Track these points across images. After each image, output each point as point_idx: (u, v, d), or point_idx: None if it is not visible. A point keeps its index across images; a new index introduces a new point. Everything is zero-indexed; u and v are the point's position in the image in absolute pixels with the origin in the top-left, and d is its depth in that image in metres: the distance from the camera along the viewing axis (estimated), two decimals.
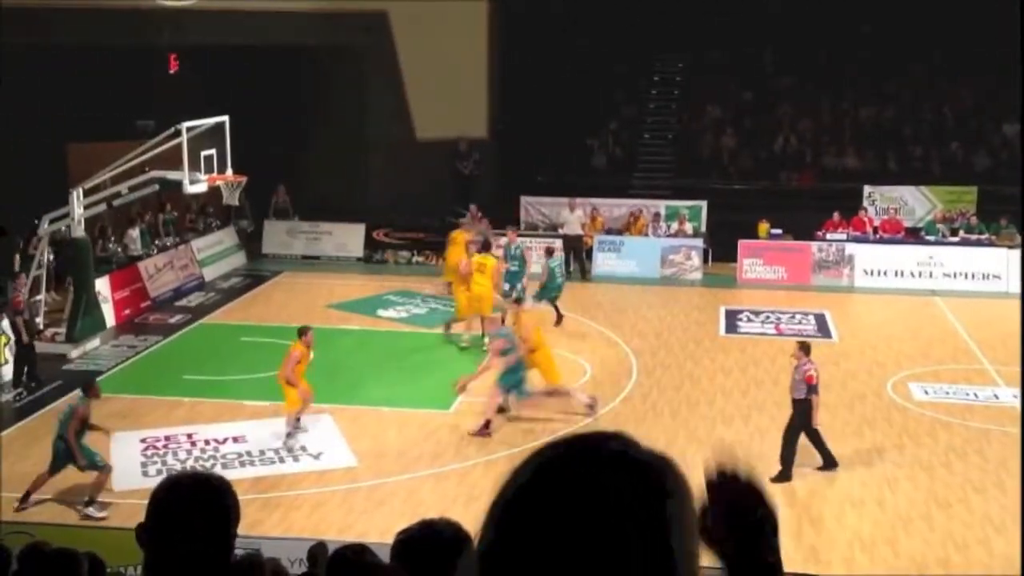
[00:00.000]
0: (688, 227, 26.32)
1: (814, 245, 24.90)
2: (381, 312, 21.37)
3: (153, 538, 2.41)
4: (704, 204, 26.60)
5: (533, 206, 27.80)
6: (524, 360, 15.73)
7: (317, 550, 8.39)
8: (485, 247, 19.76)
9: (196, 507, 2.40)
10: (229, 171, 19.60)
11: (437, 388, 17.31)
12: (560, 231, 25.21)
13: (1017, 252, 23.02)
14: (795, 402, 13.91)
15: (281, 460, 14.45)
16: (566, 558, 1.36)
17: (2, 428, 15.60)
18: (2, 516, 12.01)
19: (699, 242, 25.53)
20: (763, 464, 14.12)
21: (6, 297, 17.51)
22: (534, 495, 1.41)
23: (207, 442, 14.99)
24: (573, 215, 24.15)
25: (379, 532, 11.94)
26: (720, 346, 19.73)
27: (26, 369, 17.35)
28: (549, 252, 21.87)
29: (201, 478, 2.50)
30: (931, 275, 24.04)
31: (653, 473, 1.42)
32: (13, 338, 17.44)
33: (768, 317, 21.68)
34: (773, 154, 29.91)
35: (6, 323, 17.68)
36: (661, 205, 27.34)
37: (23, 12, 21.66)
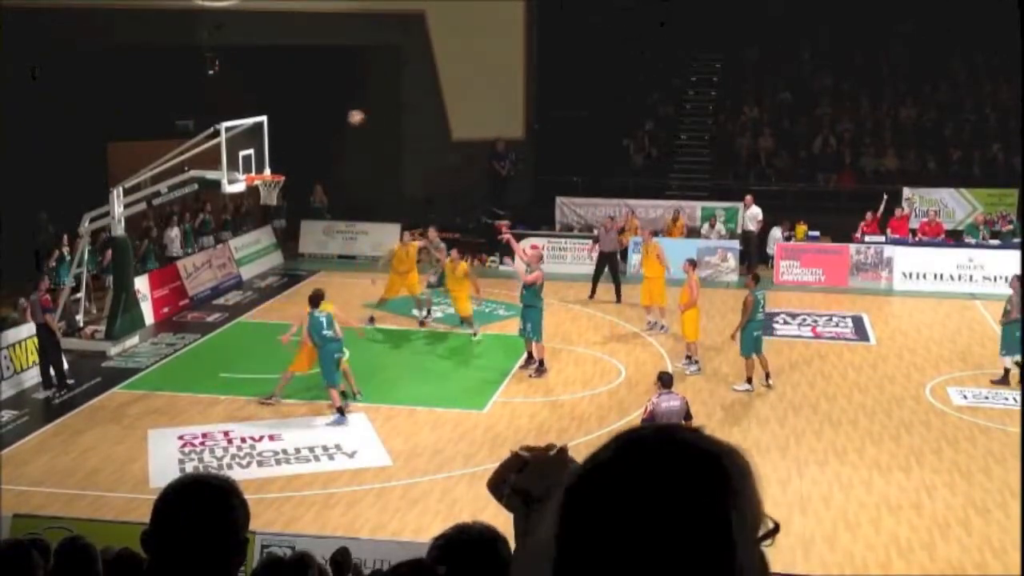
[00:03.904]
0: (721, 227, 26.20)
1: (852, 247, 24.70)
2: (416, 312, 21.44)
3: (157, 544, 2.32)
4: (741, 205, 26.48)
5: (568, 207, 27.78)
6: None
7: (340, 556, 8.38)
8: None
9: (200, 511, 2.32)
10: (267, 171, 19.74)
11: (471, 388, 17.37)
12: (595, 245, 24.59)
13: None
14: None
15: (316, 458, 14.54)
16: (633, 540, 1.38)
17: (39, 426, 15.82)
18: (41, 511, 12.17)
19: (735, 243, 25.40)
20: (796, 466, 14.08)
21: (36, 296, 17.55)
22: (607, 475, 1.43)
23: (243, 440, 15.11)
24: (609, 235, 23.68)
25: (413, 531, 12.01)
26: None
27: (52, 370, 17.29)
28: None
29: (204, 481, 2.40)
30: (971, 278, 23.78)
31: (720, 463, 1.44)
32: (38, 340, 17.37)
33: (805, 320, 21.53)
34: (812, 155, 29.72)
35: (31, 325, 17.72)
36: (697, 206, 27.27)
37: (63, 12, 21.96)
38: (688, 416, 12.59)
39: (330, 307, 16.52)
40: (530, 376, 17.74)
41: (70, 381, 17.42)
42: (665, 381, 12.78)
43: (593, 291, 23.08)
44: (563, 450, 8.48)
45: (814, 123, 30.42)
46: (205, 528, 2.30)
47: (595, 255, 24.00)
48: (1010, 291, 18.15)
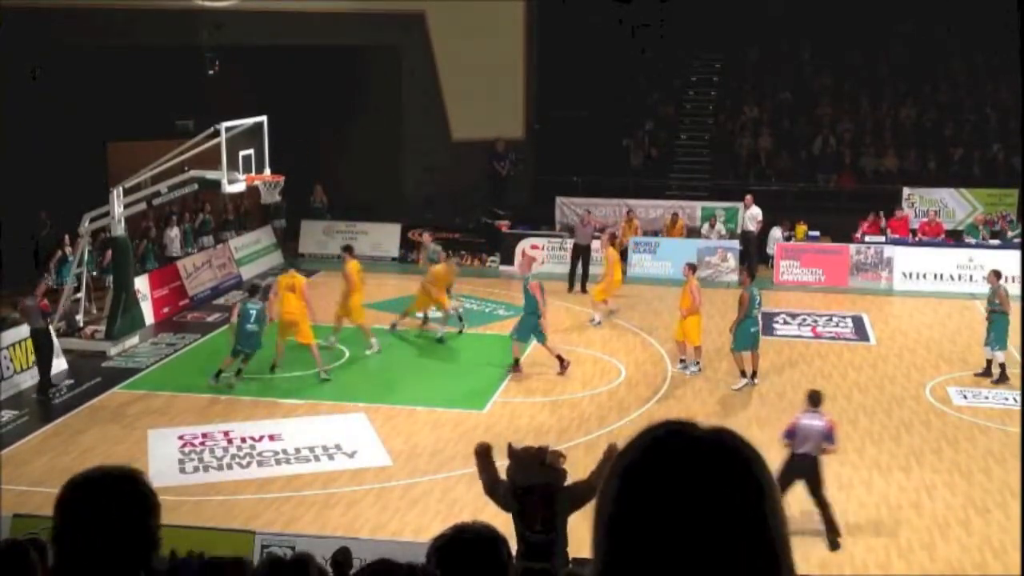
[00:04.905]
0: (721, 228, 26.23)
1: (852, 247, 24.70)
2: (417, 312, 21.41)
3: (61, 542, 2.26)
4: (741, 205, 26.49)
5: (568, 206, 27.78)
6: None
7: (341, 556, 8.39)
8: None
9: (103, 504, 2.25)
10: (267, 171, 19.73)
11: (471, 388, 17.36)
12: (570, 238, 25.08)
13: None
14: (809, 459, 12.12)
15: (316, 458, 14.53)
16: (684, 531, 1.46)
17: (39, 426, 15.82)
18: (41, 511, 12.17)
19: (735, 244, 25.41)
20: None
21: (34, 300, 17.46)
22: (646, 477, 1.51)
23: (243, 439, 15.11)
24: (585, 229, 24.37)
25: (413, 531, 12.01)
26: None
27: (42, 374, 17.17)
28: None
29: (106, 473, 2.32)
30: (971, 278, 23.76)
31: (744, 459, 1.53)
32: (35, 343, 17.23)
33: (805, 320, 21.53)
34: (812, 155, 29.72)
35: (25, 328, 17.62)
36: (697, 206, 27.27)
37: (63, 11, 21.96)
38: (830, 439, 12.19)
39: (301, 281, 17.91)
40: (510, 375, 17.70)
41: (69, 380, 17.42)
42: (813, 400, 12.47)
43: (571, 285, 23.65)
44: (542, 450, 8.54)
45: (814, 123, 30.41)
46: (110, 520, 2.23)
47: (570, 248, 24.65)
48: (991, 287, 18.21)
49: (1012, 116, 28.43)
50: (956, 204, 27.06)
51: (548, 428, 15.49)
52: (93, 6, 22.80)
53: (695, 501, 1.46)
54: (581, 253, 23.99)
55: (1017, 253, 23.95)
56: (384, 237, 26.85)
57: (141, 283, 21.02)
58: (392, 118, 27.98)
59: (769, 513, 1.50)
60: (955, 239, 25.43)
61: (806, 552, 11.78)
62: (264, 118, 19.67)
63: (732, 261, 24.91)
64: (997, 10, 26.13)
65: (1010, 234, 25.33)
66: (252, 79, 25.93)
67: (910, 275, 24.21)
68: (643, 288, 23.74)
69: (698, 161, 30.02)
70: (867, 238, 24.87)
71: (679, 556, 1.45)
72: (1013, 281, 23.18)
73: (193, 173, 19.17)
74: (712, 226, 26.19)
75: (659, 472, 1.49)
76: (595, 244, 24.29)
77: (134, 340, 19.71)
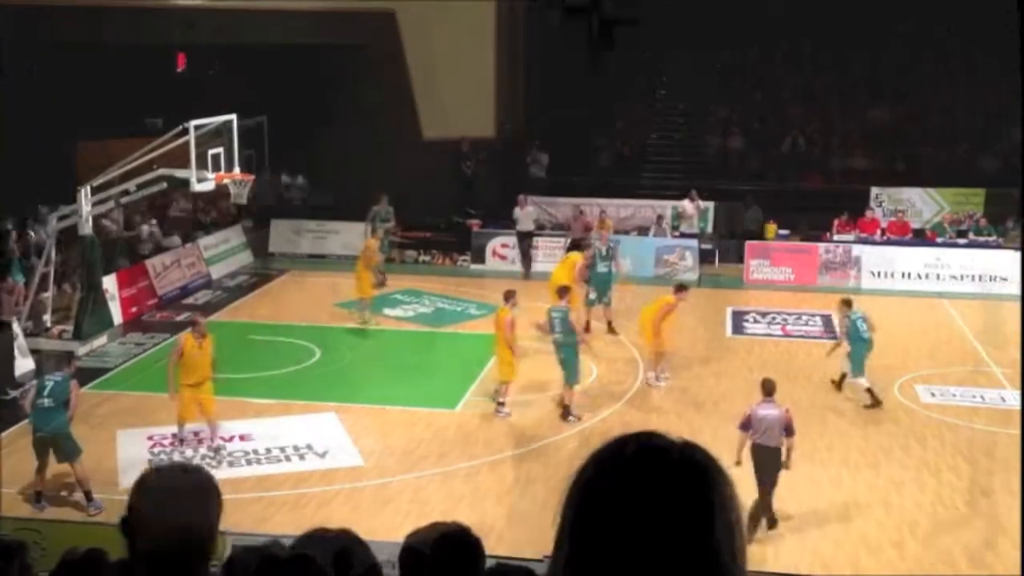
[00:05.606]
0: (698, 223, 26.42)
1: (821, 247, 24.89)
2: (388, 311, 21.39)
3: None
4: (712, 205, 26.57)
5: (539, 206, 27.79)
6: None
7: (342, 556, 8.34)
8: None
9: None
10: (236, 169, 19.63)
11: (443, 387, 17.34)
12: (515, 228, 25.69)
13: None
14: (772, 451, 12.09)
15: (287, 459, 14.47)
16: (635, 542, 1.48)
17: (6, 427, 15.66)
18: (9, 513, 12.04)
19: (694, 242, 25.52)
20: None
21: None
22: (604, 487, 1.53)
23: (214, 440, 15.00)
24: (524, 212, 25.36)
25: (385, 531, 11.93)
26: (726, 347, 19.70)
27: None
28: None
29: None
30: (938, 277, 23.98)
31: (703, 473, 1.55)
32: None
33: (775, 318, 21.66)
34: (781, 155, 29.84)
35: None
36: (668, 206, 27.35)
37: (34, 9, 21.75)
38: (789, 429, 12.02)
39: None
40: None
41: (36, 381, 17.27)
42: (767, 389, 12.30)
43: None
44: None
45: (783, 123, 30.50)
46: None
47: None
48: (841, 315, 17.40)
49: (978, 117, 28.61)
50: (923, 204, 27.26)
51: (521, 427, 15.49)
52: (63, 4, 22.58)
53: (649, 513, 1.48)
54: (525, 238, 25.29)
55: (978, 253, 24.16)
56: (355, 236, 26.71)
57: (109, 282, 20.85)
58: (363, 117, 27.86)
59: (720, 528, 1.51)
60: (922, 238, 25.65)
61: (776, 549, 11.84)
62: (233, 116, 19.56)
63: (690, 259, 25.07)
64: (997, 10, 26.24)
65: (971, 236, 25.48)
66: (221, 78, 25.77)
67: (878, 274, 24.41)
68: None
69: (668, 161, 30.07)
70: (836, 237, 25.06)
71: (625, 565, 1.48)
72: (1011, 281, 23.31)
73: (162, 171, 19.04)
74: (660, 224, 26.33)
75: (620, 484, 1.51)
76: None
77: (102, 340, 19.56)
